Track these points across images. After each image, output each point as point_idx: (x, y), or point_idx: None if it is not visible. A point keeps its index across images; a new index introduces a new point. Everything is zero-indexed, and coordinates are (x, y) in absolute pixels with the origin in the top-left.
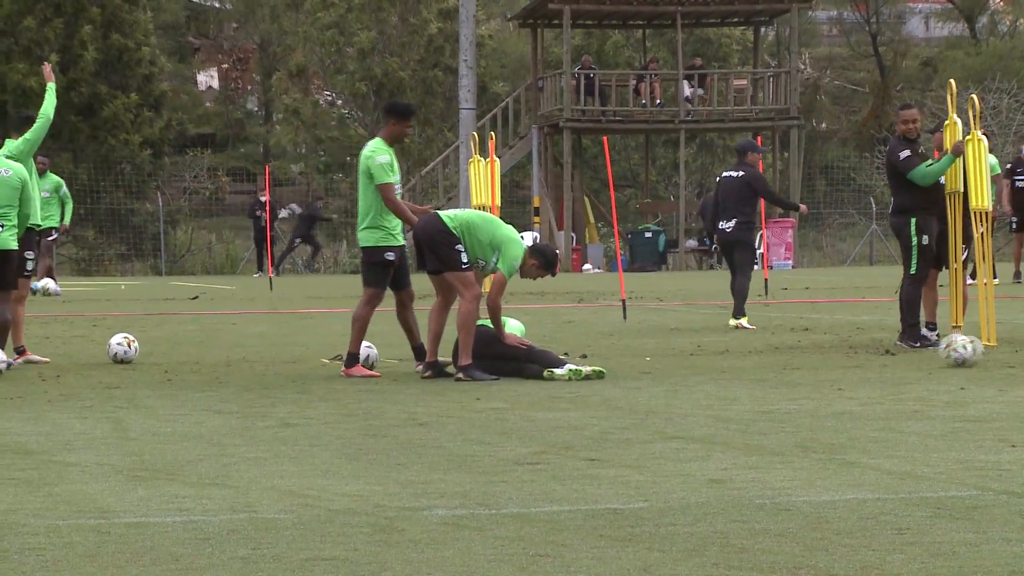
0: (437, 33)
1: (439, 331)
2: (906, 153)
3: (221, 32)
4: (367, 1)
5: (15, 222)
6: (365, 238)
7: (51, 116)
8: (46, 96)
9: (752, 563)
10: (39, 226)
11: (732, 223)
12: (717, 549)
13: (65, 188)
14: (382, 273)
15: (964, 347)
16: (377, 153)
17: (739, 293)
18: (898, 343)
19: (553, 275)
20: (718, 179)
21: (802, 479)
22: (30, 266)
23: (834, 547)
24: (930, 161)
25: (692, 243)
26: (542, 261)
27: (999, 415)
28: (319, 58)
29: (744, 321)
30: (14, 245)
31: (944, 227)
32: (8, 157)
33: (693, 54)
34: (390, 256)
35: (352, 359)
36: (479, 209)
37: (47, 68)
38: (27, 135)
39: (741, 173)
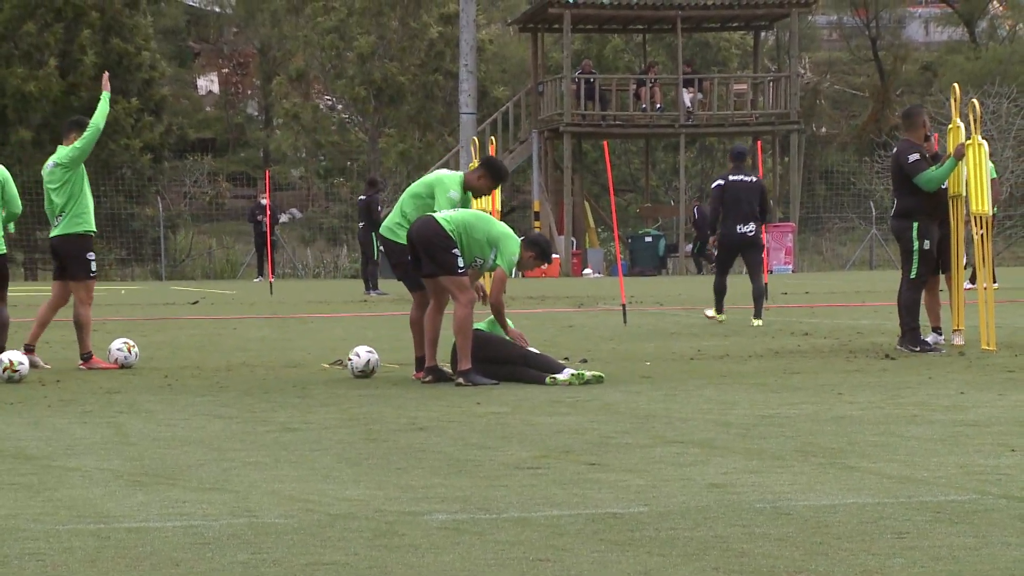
0: (437, 37)
1: (435, 335)
2: (915, 156)
3: (221, 37)
4: (367, 5)
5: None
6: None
7: (101, 126)
8: (99, 105)
9: (752, 567)
10: (94, 231)
11: (752, 226)
12: (717, 553)
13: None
14: (410, 273)
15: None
16: (454, 187)
17: (762, 294)
18: (898, 347)
19: (549, 263)
20: (723, 182)
21: (802, 483)
22: (94, 267)
23: (834, 551)
24: (935, 166)
25: (692, 247)
26: (538, 252)
27: (999, 419)
28: (319, 63)
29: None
30: (2, 248)
31: (945, 232)
32: (58, 164)
33: (686, 60)
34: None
35: (418, 363)
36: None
37: (105, 77)
38: (76, 143)
39: (754, 179)
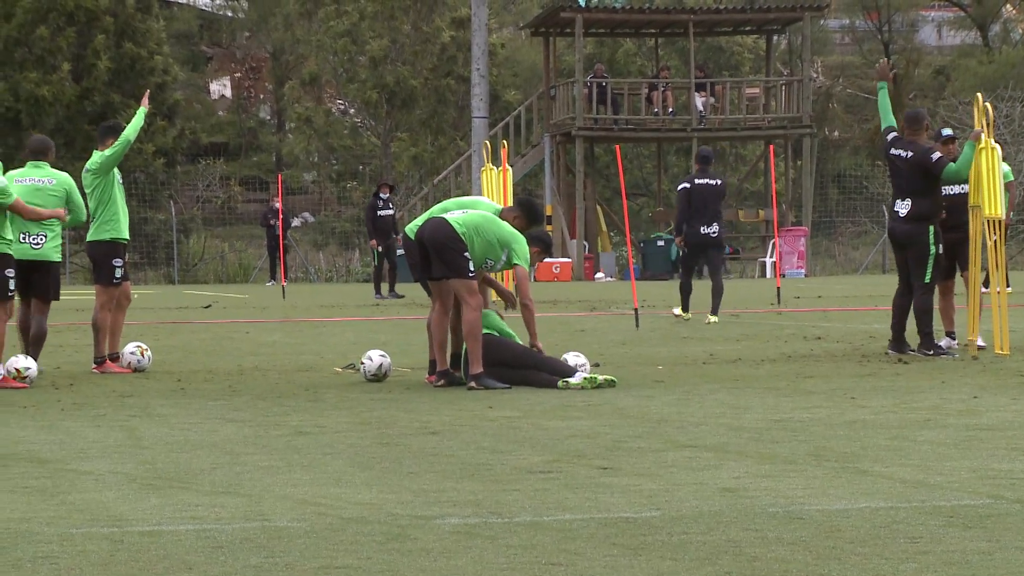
0: (450, 42)
1: (443, 339)
2: (938, 155)
3: (234, 41)
4: (380, 9)
5: (58, 232)
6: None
7: (131, 139)
8: (134, 119)
9: (765, 572)
10: (126, 239)
11: (716, 227)
12: (730, 558)
13: None
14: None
15: None
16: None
17: (720, 292)
18: (911, 351)
19: (551, 256)
20: (688, 185)
21: (815, 488)
22: (118, 274)
23: (847, 556)
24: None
25: None
26: (542, 246)
27: (1012, 423)
28: (332, 67)
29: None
30: (56, 257)
31: (953, 237)
32: (88, 170)
33: (698, 65)
34: None
35: (431, 366)
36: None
37: (146, 95)
38: (107, 152)
39: (718, 182)
